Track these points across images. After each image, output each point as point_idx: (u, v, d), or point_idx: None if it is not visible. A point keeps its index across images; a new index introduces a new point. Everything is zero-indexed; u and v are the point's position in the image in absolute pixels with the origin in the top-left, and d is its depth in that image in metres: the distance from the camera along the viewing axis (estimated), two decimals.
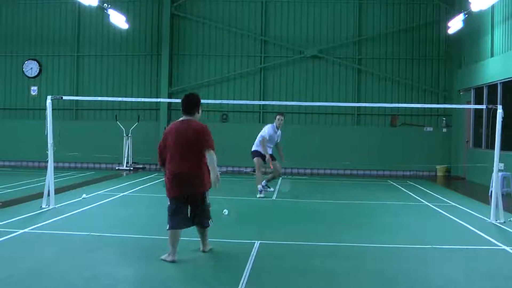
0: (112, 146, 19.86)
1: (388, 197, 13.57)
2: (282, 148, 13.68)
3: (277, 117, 13.49)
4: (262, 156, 13.25)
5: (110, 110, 20.96)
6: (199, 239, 7.14)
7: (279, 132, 13.51)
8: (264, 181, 13.45)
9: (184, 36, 20.98)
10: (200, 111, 6.95)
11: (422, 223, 9.98)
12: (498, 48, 16.17)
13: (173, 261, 6.53)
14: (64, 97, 11.99)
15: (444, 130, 20.17)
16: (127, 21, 19.47)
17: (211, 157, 6.62)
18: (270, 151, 13.24)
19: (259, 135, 13.36)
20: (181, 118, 6.90)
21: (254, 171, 19.21)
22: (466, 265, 6.96)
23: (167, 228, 6.70)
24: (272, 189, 13.85)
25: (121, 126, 19.61)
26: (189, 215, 6.85)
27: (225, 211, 10.11)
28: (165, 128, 20.35)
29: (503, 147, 10.92)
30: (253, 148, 13.41)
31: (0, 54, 21.43)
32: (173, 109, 20.69)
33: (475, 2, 14.57)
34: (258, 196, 12.85)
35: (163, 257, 6.62)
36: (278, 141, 13.53)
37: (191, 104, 6.86)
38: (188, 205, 6.83)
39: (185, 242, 7.07)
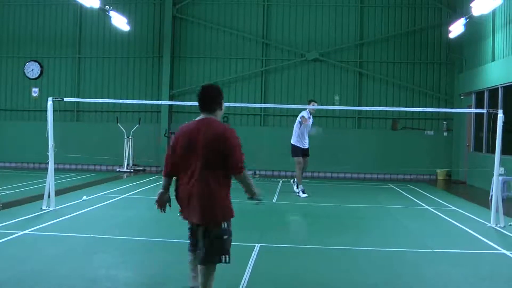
0: (113, 148, 19.87)
1: (389, 200, 13.57)
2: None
3: (311, 103, 14.15)
4: (298, 152, 13.87)
5: (111, 112, 20.95)
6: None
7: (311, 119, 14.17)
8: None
9: (186, 38, 20.98)
10: (223, 107, 5.20)
11: (423, 227, 9.97)
12: (499, 53, 16.18)
13: None
14: (65, 99, 12.02)
15: (445, 134, 20.15)
16: (129, 23, 19.46)
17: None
18: (306, 144, 13.95)
19: (295, 126, 14.07)
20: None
21: (255, 173, 19.28)
22: (466, 269, 6.96)
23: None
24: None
25: (122, 128, 19.61)
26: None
27: None
28: (166, 131, 20.67)
29: (503, 151, 10.90)
30: (292, 142, 14.05)
31: (1, 55, 21.46)
32: (174, 111, 20.71)
33: (477, 6, 14.58)
34: (302, 196, 13.54)
35: None
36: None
37: (209, 98, 5.11)
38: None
39: (185, 243, 7.05)
